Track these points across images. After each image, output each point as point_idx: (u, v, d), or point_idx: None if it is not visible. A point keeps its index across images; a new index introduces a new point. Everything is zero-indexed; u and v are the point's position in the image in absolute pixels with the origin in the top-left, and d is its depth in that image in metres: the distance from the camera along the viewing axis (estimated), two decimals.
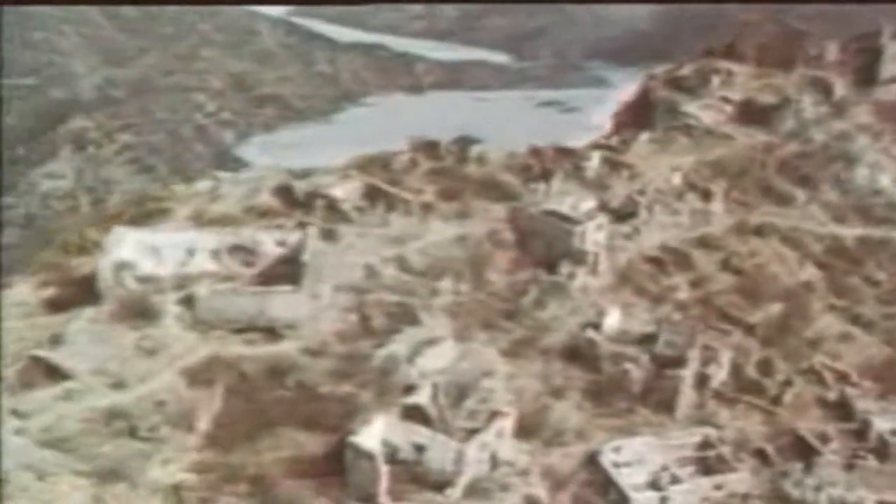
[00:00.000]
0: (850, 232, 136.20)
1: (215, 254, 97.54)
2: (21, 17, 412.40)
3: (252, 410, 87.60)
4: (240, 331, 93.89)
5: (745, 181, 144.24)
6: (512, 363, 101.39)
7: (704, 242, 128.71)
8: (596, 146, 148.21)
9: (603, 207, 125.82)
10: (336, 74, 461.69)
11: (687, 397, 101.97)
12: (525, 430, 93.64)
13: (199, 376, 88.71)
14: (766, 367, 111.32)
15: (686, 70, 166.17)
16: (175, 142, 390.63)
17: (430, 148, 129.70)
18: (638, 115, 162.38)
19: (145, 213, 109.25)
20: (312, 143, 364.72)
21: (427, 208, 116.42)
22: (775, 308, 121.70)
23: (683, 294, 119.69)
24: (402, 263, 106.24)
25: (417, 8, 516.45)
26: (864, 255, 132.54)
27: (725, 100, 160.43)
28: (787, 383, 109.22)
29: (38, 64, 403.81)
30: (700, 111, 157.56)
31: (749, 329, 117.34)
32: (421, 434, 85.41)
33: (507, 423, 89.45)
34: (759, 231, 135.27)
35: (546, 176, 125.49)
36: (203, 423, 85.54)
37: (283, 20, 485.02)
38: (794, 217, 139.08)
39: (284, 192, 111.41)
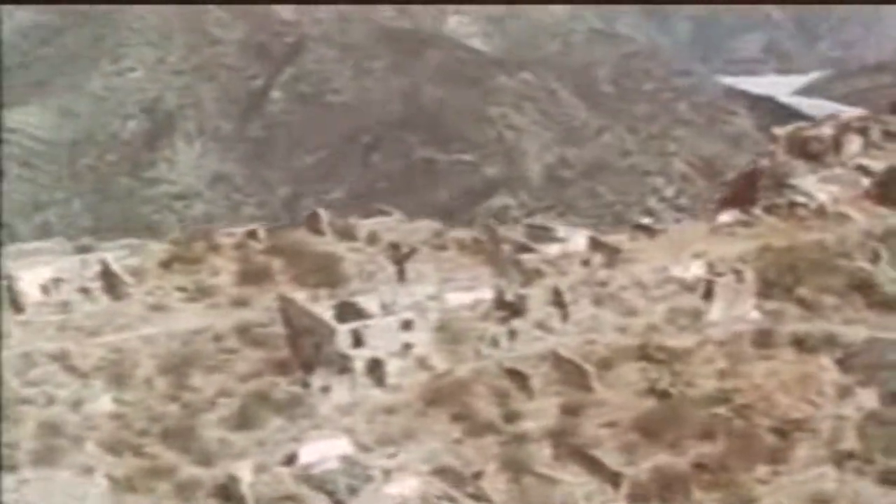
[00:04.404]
0: None
1: None
2: (479, 93, 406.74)
3: None
4: None
5: (833, 277, 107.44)
6: (125, 499, 75.55)
7: (646, 353, 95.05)
8: (637, 227, 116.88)
9: (499, 302, 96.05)
10: None
11: None
12: None
13: None
14: None
15: (825, 129, 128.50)
16: (617, 227, 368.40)
17: (312, 221, 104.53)
18: (745, 190, 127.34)
19: None
20: None
21: (203, 293, 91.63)
22: (699, 450, 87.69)
23: (535, 423, 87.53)
24: (64, 361, 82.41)
25: None
26: None
27: (862, 169, 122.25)
28: None
29: (485, 139, 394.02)
30: (818, 185, 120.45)
31: (612, 478, 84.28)
32: None
33: None
34: (803, 342, 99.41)
35: (404, 258, 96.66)
36: None
37: (765, 98, 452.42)
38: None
39: None
